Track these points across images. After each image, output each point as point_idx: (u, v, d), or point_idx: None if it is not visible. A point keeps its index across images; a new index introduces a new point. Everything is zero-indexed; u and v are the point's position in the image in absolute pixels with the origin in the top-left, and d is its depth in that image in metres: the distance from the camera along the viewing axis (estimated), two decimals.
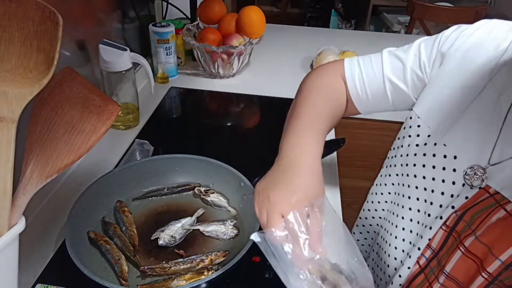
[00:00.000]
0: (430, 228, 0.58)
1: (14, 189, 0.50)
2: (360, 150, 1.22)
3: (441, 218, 0.57)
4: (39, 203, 0.76)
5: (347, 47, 1.39)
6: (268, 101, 1.19)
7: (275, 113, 1.14)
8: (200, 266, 0.62)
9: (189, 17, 1.41)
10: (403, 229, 0.65)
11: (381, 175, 0.73)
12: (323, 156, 0.79)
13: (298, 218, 0.51)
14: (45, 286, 0.59)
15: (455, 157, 0.56)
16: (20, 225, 0.51)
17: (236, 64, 1.27)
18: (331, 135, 1.05)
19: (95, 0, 0.99)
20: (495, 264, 0.49)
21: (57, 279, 0.60)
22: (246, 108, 1.19)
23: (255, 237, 0.52)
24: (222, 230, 0.69)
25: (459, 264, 0.54)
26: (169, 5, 1.37)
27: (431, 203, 0.59)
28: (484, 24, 0.59)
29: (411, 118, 0.65)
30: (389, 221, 0.69)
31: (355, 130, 1.22)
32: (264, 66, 1.41)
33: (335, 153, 0.84)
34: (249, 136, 1.07)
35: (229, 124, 1.13)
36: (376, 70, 0.66)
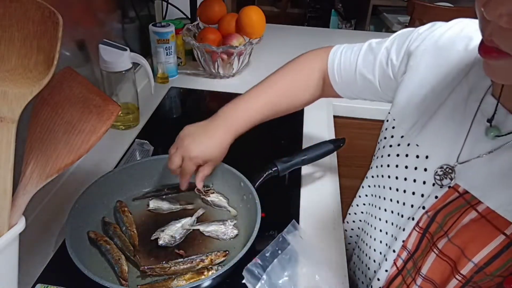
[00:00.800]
0: (404, 229, 0.58)
1: (14, 189, 0.50)
2: (360, 150, 1.22)
3: (413, 219, 0.57)
4: (39, 203, 0.76)
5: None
6: None
7: None
8: (200, 266, 0.62)
9: (189, 17, 1.41)
10: (380, 230, 0.65)
11: (366, 178, 0.74)
12: (323, 156, 0.80)
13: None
14: (45, 286, 0.59)
15: (426, 157, 0.56)
16: (20, 225, 0.51)
17: (236, 64, 1.27)
18: (331, 135, 1.05)
19: (95, 0, 0.99)
20: (468, 266, 0.49)
21: (57, 279, 0.60)
22: None
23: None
24: (222, 230, 0.69)
25: (434, 265, 0.54)
26: (169, 5, 1.37)
27: (404, 204, 0.59)
28: (456, 23, 0.58)
29: (387, 120, 0.66)
30: (368, 223, 0.70)
31: (355, 130, 1.22)
32: (264, 66, 1.40)
33: (335, 153, 0.84)
34: (249, 136, 1.07)
35: None
36: (352, 60, 0.70)
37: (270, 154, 0.96)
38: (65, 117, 0.53)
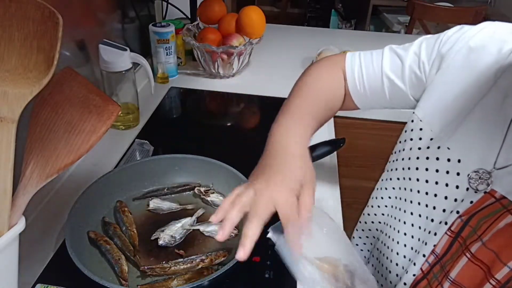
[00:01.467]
0: (435, 234, 0.57)
1: (14, 189, 0.50)
2: (360, 150, 1.22)
3: (445, 223, 0.56)
4: (39, 203, 0.76)
5: (347, 47, 1.39)
6: (268, 101, 1.19)
7: (275, 113, 1.14)
8: (200, 266, 0.62)
9: (189, 17, 1.41)
10: (405, 234, 0.64)
11: (382, 179, 0.73)
12: (323, 156, 0.80)
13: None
14: (45, 286, 0.59)
15: (459, 161, 0.55)
16: (20, 225, 0.51)
17: (236, 64, 1.27)
18: (331, 135, 1.05)
19: (95, 0, 0.99)
20: (503, 271, 0.48)
21: (57, 279, 0.60)
22: (246, 108, 1.19)
23: (271, 235, 0.51)
24: None
25: (464, 270, 0.53)
26: (169, 5, 1.37)
27: (434, 208, 0.58)
28: (486, 26, 0.58)
29: (412, 121, 0.64)
30: (390, 226, 0.68)
31: (355, 130, 1.22)
32: (264, 66, 1.41)
33: (335, 153, 0.84)
34: (249, 136, 1.07)
35: (229, 124, 1.13)
36: (376, 66, 0.66)
37: None
38: (65, 117, 0.53)
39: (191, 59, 1.37)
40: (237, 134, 1.08)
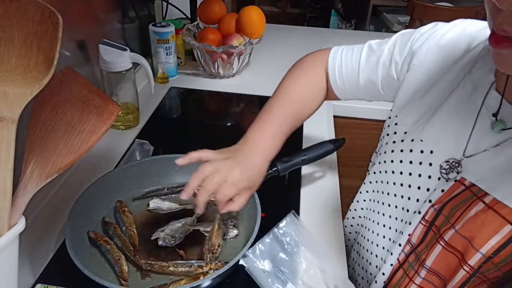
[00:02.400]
0: (410, 223, 0.59)
1: (14, 189, 0.50)
2: (360, 150, 1.22)
3: (419, 212, 0.58)
4: (39, 203, 0.76)
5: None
6: None
7: None
8: (198, 271, 0.61)
9: (189, 17, 1.41)
10: (384, 225, 0.66)
11: (367, 175, 0.75)
12: (323, 156, 0.80)
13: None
14: (45, 286, 0.58)
15: (431, 152, 0.57)
16: (20, 225, 0.51)
17: (236, 64, 1.27)
18: (331, 135, 1.05)
19: (95, 0, 0.99)
20: (476, 257, 0.50)
21: (57, 279, 0.60)
22: (246, 108, 1.19)
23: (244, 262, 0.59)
24: (224, 230, 0.69)
25: (439, 258, 0.55)
26: (169, 5, 1.37)
27: (409, 198, 0.60)
28: (458, 23, 0.60)
29: (389, 118, 0.68)
30: (369, 219, 0.70)
31: (355, 130, 1.22)
32: (264, 66, 1.41)
33: (335, 153, 0.84)
34: None
35: (229, 124, 1.13)
36: (354, 62, 0.70)
37: None
38: (65, 117, 0.53)
39: (191, 59, 1.37)
40: (237, 134, 1.07)
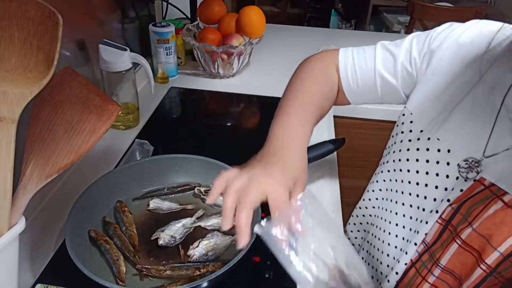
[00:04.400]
0: (426, 222, 0.59)
1: (14, 189, 0.50)
2: (360, 150, 1.22)
3: (436, 212, 0.57)
4: (39, 203, 0.76)
5: (347, 47, 1.39)
6: (268, 101, 1.19)
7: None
8: (195, 274, 0.61)
9: (189, 17, 1.41)
10: (396, 225, 0.65)
11: (375, 173, 0.74)
12: (323, 156, 0.80)
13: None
14: (45, 286, 0.59)
15: (448, 151, 0.57)
16: (20, 225, 0.51)
17: (236, 64, 1.27)
18: (331, 135, 1.05)
19: (95, 0, 0.99)
20: (493, 255, 0.50)
21: (57, 279, 0.60)
22: (246, 108, 1.19)
23: (258, 228, 0.50)
24: None
25: (455, 257, 0.54)
26: (169, 5, 1.37)
27: (425, 197, 0.60)
28: (475, 24, 0.60)
29: (404, 115, 0.66)
30: (381, 218, 0.70)
31: (355, 130, 1.22)
32: (264, 66, 1.41)
33: (335, 153, 0.84)
34: (249, 136, 1.07)
35: (229, 124, 1.13)
36: (369, 63, 0.67)
37: None
38: (65, 117, 0.53)
39: (191, 59, 1.37)
40: (237, 134, 1.08)
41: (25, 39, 0.45)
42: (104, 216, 0.71)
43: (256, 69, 1.38)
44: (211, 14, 1.28)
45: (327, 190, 0.84)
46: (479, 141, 0.54)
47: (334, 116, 1.15)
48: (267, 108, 1.18)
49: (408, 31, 2.47)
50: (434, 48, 0.62)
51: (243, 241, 0.47)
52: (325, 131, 1.05)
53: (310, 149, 0.79)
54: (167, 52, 1.21)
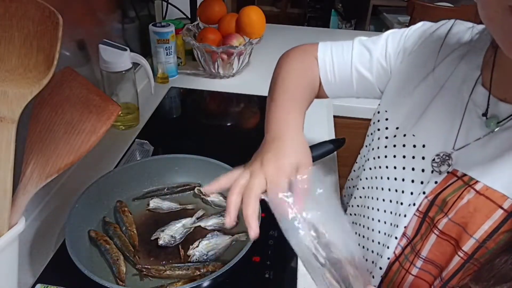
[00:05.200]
0: (405, 216, 0.60)
1: (14, 189, 0.50)
2: (360, 150, 1.22)
3: (414, 205, 0.59)
4: (39, 203, 0.76)
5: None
6: None
7: None
8: (195, 274, 0.62)
9: (189, 17, 1.41)
10: (379, 221, 0.66)
11: (354, 170, 0.75)
12: (323, 156, 0.80)
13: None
14: (45, 286, 0.59)
15: (423, 146, 0.59)
16: (20, 225, 0.51)
17: (236, 64, 1.27)
18: (331, 135, 1.05)
19: (95, 0, 0.99)
20: (469, 242, 0.51)
21: (57, 279, 0.60)
22: (246, 108, 1.19)
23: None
24: (223, 221, 0.70)
25: (435, 247, 0.56)
26: (169, 5, 1.37)
27: (403, 192, 0.61)
28: (445, 23, 0.63)
29: (379, 112, 0.69)
30: (363, 216, 0.71)
31: (355, 130, 1.22)
32: (264, 66, 1.40)
33: (335, 153, 0.84)
34: (249, 136, 1.07)
35: (229, 124, 1.13)
36: (346, 58, 0.70)
37: None
38: (65, 117, 0.53)
39: (191, 59, 1.37)
40: (237, 134, 1.08)
41: (25, 39, 0.45)
42: (104, 216, 0.71)
43: (256, 69, 1.38)
44: (211, 14, 1.28)
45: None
46: (451, 135, 0.56)
47: (334, 116, 1.15)
48: None
49: None
50: (407, 46, 0.64)
51: (253, 233, 0.48)
52: (325, 131, 1.05)
53: (310, 149, 0.79)
54: (167, 52, 1.21)
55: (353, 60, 0.69)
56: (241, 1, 2.62)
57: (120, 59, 0.91)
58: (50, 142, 0.52)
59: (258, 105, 1.20)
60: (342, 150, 0.84)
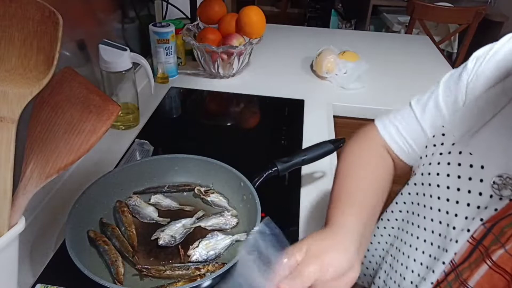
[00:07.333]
0: (456, 241, 0.56)
1: (14, 189, 0.50)
2: None
3: (468, 230, 0.54)
4: (39, 203, 0.76)
5: (347, 47, 1.39)
6: (268, 101, 1.19)
7: (275, 113, 1.14)
8: (195, 274, 0.61)
9: (189, 17, 1.41)
10: (425, 241, 0.63)
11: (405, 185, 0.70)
12: (323, 156, 0.80)
13: None
14: (45, 286, 0.59)
15: (482, 167, 0.54)
16: (20, 225, 0.51)
17: (236, 64, 1.27)
18: (331, 135, 1.05)
19: (95, 0, 0.99)
20: None
21: (57, 279, 0.60)
22: (246, 108, 1.19)
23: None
24: (223, 221, 0.70)
25: (485, 278, 0.51)
26: (169, 5, 1.37)
27: (456, 215, 0.57)
28: (509, 39, 0.58)
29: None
30: (407, 232, 0.67)
31: (355, 130, 1.22)
32: (264, 66, 1.41)
33: (335, 153, 0.84)
34: (249, 136, 1.07)
35: (229, 124, 1.13)
36: (412, 121, 0.66)
37: (270, 154, 0.96)
38: (65, 117, 0.53)
39: (191, 59, 1.37)
40: (237, 134, 1.08)
41: (25, 39, 0.45)
42: (102, 217, 0.71)
43: (256, 69, 1.38)
44: (211, 14, 1.28)
45: (327, 190, 0.84)
46: None
47: (334, 116, 1.15)
48: (267, 108, 1.19)
49: (408, 31, 2.47)
50: (469, 82, 0.60)
51: None
52: (325, 131, 1.05)
53: (310, 149, 0.79)
54: (167, 52, 1.21)
55: (421, 121, 0.65)
56: (241, 1, 2.62)
57: (120, 59, 0.91)
58: (50, 142, 0.52)
59: (258, 105, 1.20)
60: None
